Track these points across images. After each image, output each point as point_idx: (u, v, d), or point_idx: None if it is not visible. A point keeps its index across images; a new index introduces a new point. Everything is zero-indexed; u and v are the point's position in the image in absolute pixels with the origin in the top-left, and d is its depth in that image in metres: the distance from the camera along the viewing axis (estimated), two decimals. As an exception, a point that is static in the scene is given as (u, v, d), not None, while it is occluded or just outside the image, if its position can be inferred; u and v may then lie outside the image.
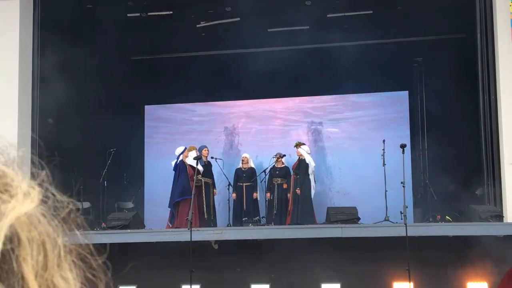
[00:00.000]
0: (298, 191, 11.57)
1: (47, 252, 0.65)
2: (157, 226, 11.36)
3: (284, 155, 12.19)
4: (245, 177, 12.22)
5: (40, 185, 0.68)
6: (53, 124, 10.55)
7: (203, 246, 8.91)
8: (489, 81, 10.02)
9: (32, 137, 10.23)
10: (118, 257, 8.96)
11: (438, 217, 10.74)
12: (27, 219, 0.64)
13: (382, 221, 9.95)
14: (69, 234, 0.69)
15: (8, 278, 0.64)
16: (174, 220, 11.02)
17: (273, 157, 12.14)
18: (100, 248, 0.75)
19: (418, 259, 8.50)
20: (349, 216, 9.57)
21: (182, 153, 11.33)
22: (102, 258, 0.72)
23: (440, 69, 12.74)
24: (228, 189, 11.99)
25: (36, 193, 0.66)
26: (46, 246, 0.65)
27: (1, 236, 0.63)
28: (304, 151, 11.79)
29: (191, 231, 8.47)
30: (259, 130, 14.49)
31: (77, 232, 0.69)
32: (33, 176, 0.72)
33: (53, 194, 0.69)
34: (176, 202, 11.08)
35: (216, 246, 9.19)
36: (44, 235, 0.65)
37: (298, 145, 11.93)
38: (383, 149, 10.81)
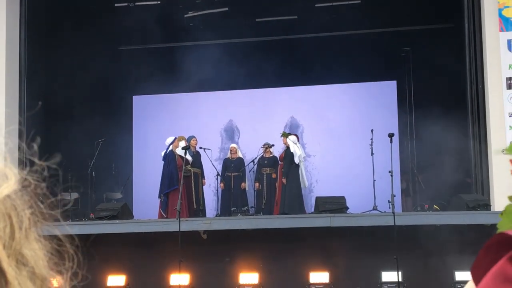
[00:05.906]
0: (284, 180, 11.57)
1: (13, 223, 0.66)
2: (146, 216, 11.33)
3: (273, 145, 12.17)
4: (233, 167, 12.21)
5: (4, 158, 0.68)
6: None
7: (192, 236, 8.91)
8: (477, 71, 10.06)
9: (19, 121, 10.17)
10: (106, 247, 8.96)
11: (426, 206, 10.79)
12: None
13: (370, 211, 10.00)
14: (34, 205, 0.68)
15: None
16: (166, 207, 10.98)
17: (261, 147, 12.14)
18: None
19: (406, 248, 8.54)
20: (338, 205, 9.59)
21: (172, 143, 11.31)
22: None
23: (428, 59, 12.77)
24: (217, 179, 11.99)
25: (13, 176, 0.66)
26: (12, 218, 0.65)
27: None
28: (291, 141, 11.77)
29: (179, 221, 8.46)
30: (248, 121, 14.48)
31: (41, 205, 0.69)
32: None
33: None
34: (166, 192, 11.06)
35: (205, 236, 9.20)
36: (9, 207, 0.65)
37: (285, 135, 11.92)
38: (371, 139, 10.85)
